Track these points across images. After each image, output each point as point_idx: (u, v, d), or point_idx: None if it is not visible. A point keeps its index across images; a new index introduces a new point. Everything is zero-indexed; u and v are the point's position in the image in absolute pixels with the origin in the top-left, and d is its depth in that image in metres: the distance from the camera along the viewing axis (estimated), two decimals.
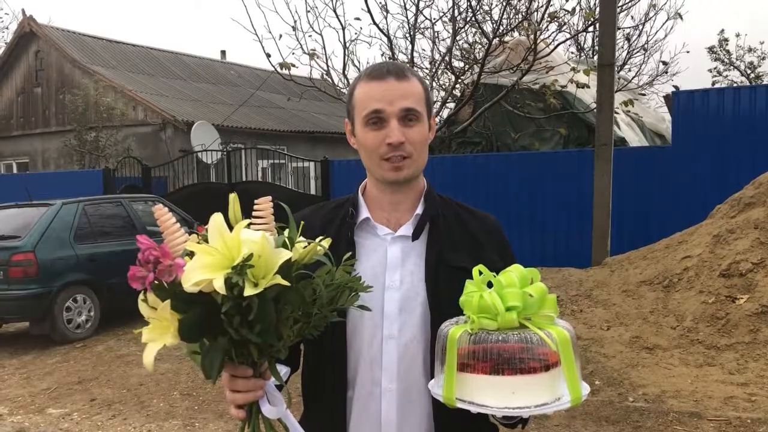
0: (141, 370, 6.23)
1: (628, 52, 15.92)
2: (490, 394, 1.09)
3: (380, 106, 1.35)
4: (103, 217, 8.42)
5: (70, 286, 7.66)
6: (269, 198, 1.16)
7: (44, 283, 7.41)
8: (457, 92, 12.14)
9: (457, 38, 11.60)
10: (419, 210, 1.44)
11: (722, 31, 27.32)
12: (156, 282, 1.02)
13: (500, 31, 11.04)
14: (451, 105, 12.32)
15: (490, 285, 1.19)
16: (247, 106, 18.24)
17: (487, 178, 9.72)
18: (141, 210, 8.84)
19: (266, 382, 1.19)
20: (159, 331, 1.06)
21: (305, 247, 1.16)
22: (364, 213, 1.45)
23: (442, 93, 12.42)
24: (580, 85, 10.28)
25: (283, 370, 1.37)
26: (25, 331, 8.05)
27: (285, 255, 1.06)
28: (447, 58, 11.46)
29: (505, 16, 11.26)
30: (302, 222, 1.22)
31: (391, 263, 1.40)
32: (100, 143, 15.39)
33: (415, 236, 1.42)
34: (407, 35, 11.54)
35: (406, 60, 11.26)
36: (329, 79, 11.43)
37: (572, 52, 16.28)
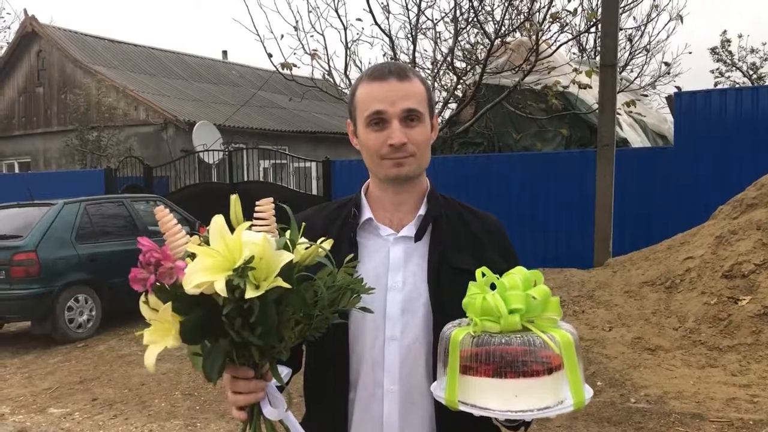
0: (142, 369, 6.23)
1: (631, 53, 15.92)
2: (492, 397, 1.09)
3: (382, 107, 1.35)
4: (105, 217, 8.43)
5: (71, 286, 7.67)
6: (271, 199, 1.15)
7: (46, 283, 7.41)
8: (458, 93, 12.13)
9: (459, 39, 11.60)
10: (422, 210, 1.43)
11: (725, 32, 27.24)
12: (157, 284, 1.02)
13: (502, 31, 11.03)
14: (453, 105, 12.31)
15: (493, 287, 1.18)
16: (249, 106, 18.25)
17: (488, 179, 9.72)
18: (143, 210, 8.85)
19: (267, 383, 1.18)
20: (160, 333, 1.06)
21: (307, 248, 1.16)
22: (367, 213, 1.45)
23: (444, 93, 12.41)
24: (582, 86, 10.26)
25: (285, 371, 1.37)
26: (26, 330, 8.06)
27: (286, 257, 1.06)
28: (449, 58, 11.46)
29: (507, 16, 11.25)
30: (303, 223, 1.21)
31: (393, 264, 1.40)
32: (102, 143, 15.40)
33: (418, 237, 1.42)
34: (409, 36, 11.54)
35: (408, 60, 11.26)
36: (331, 80, 11.43)
37: (574, 53, 16.28)
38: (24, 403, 5.60)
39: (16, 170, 18.58)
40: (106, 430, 4.92)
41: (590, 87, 10.21)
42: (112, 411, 5.29)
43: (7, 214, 8.16)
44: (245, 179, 12.82)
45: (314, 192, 12.68)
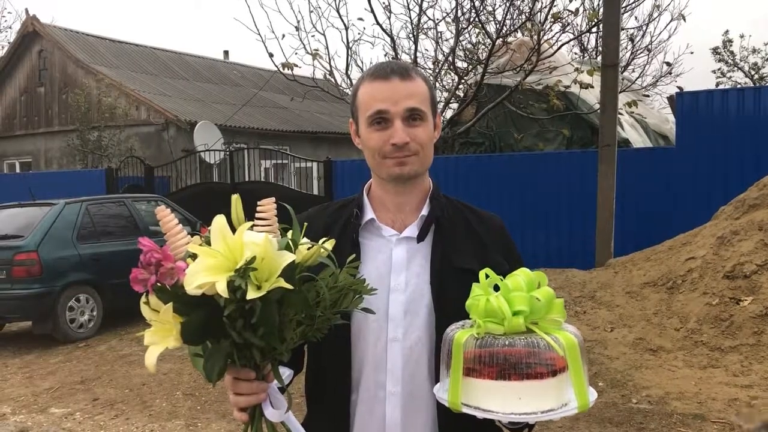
0: (143, 370, 6.22)
1: (632, 53, 15.88)
2: (496, 399, 1.08)
3: (384, 107, 1.34)
4: (106, 217, 8.42)
5: (72, 286, 7.67)
6: (272, 199, 1.14)
7: (47, 283, 7.41)
8: (460, 93, 12.12)
9: (461, 39, 11.60)
10: (424, 211, 1.42)
11: (726, 32, 27.21)
12: (158, 285, 1.01)
13: (503, 31, 11.03)
14: (455, 105, 12.30)
15: (496, 288, 1.17)
16: (250, 106, 18.25)
17: (489, 179, 9.71)
18: (144, 210, 8.84)
19: (269, 384, 1.18)
20: (161, 334, 1.05)
21: (309, 249, 1.15)
22: (369, 214, 1.44)
23: (446, 93, 12.40)
24: (584, 86, 10.25)
25: (286, 372, 1.37)
26: (27, 330, 8.06)
27: (288, 258, 1.05)
28: (450, 58, 11.45)
29: (508, 16, 11.25)
30: (305, 223, 1.21)
31: (396, 265, 1.39)
32: (103, 143, 15.41)
33: (421, 237, 1.41)
34: (410, 35, 11.55)
35: (410, 60, 11.25)
36: (332, 80, 11.43)
37: (576, 53, 16.26)
38: (25, 402, 5.60)
39: (18, 170, 18.59)
40: (107, 430, 4.92)
41: (592, 87, 10.20)
42: (113, 411, 5.29)
43: (8, 214, 8.16)
44: (246, 179, 12.81)
45: (315, 192, 12.68)
